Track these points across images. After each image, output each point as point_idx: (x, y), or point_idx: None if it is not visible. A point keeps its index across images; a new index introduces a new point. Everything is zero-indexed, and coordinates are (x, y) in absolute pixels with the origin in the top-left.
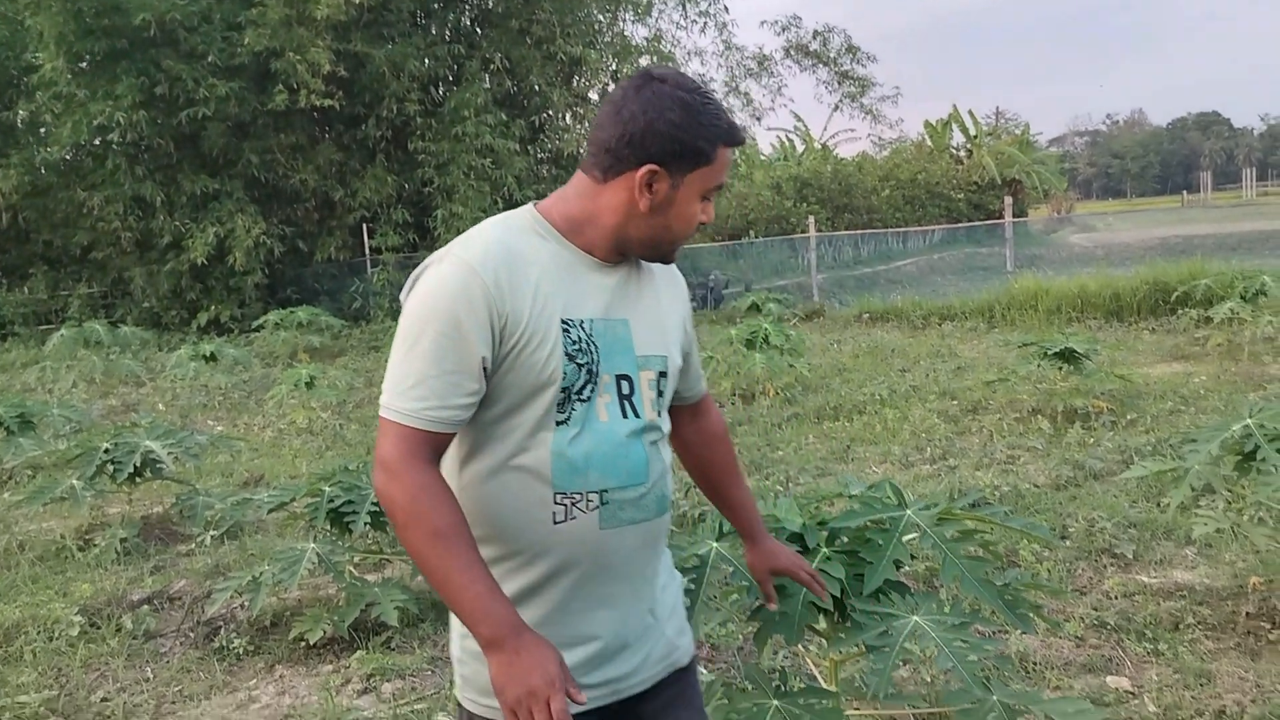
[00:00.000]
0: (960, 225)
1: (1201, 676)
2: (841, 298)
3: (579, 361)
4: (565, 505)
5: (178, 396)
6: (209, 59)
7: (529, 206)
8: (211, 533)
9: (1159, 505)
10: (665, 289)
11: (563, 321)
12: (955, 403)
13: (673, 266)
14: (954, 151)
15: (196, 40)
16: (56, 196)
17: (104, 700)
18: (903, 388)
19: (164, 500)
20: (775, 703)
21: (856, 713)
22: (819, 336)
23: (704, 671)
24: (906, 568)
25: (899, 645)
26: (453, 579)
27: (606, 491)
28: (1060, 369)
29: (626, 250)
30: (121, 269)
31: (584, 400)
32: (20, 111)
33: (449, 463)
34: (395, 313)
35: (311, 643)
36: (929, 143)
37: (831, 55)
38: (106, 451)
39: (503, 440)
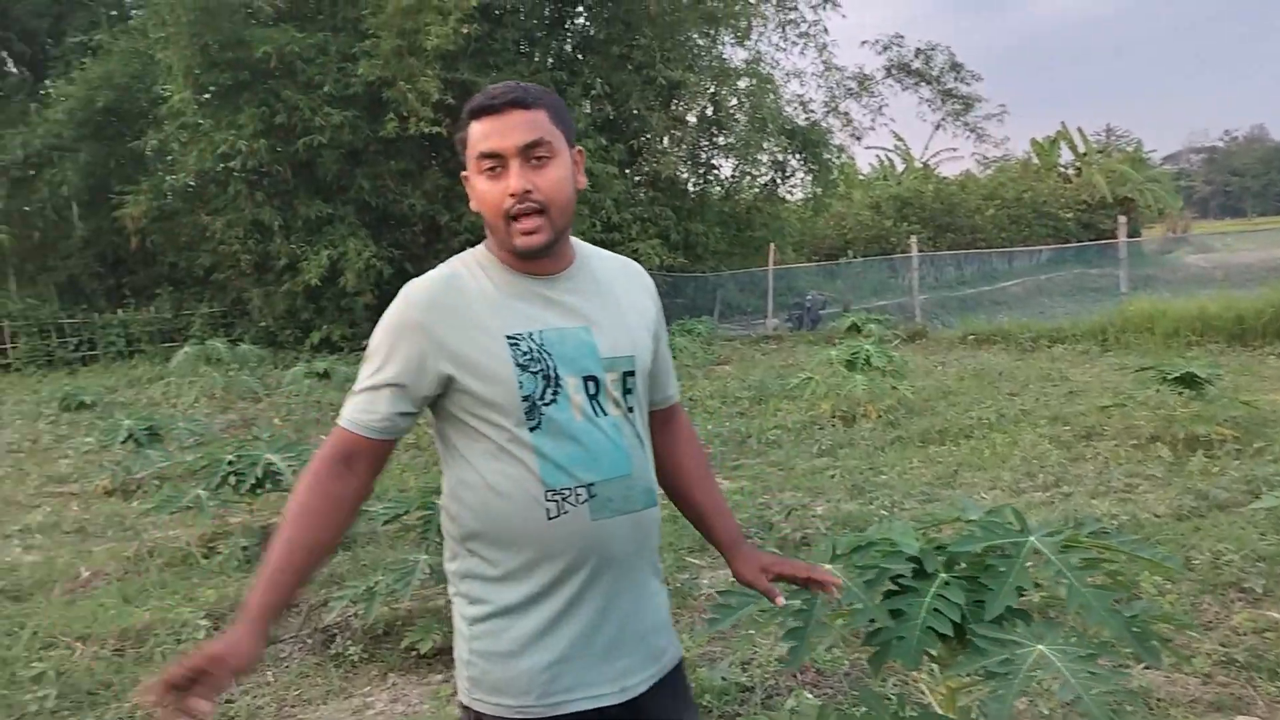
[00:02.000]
0: (1069, 245)
1: None
2: (944, 319)
3: (532, 370)
4: (556, 501)
5: (292, 412)
6: (325, 89)
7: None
8: None
9: None
10: (628, 290)
11: (508, 337)
12: (1068, 428)
13: (633, 266)
14: (1062, 169)
15: (314, 71)
16: (181, 221)
17: (228, 701)
18: (1011, 412)
19: (281, 511)
20: None
21: None
22: (922, 358)
23: (809, 697)
24: (1030, 598)
25: (1023, 673)
26: (269, 558)
27: (593, 485)
28: (1180, 394)
29: (532, 255)
30: (240, 290)
31: (549, 403)
32: (150, 141)
33: (447, 480)
34: None
35: (422, 652)
36: (1036, 161)
37: (934, 73)
38: (230, 463)
39: (486, 450)
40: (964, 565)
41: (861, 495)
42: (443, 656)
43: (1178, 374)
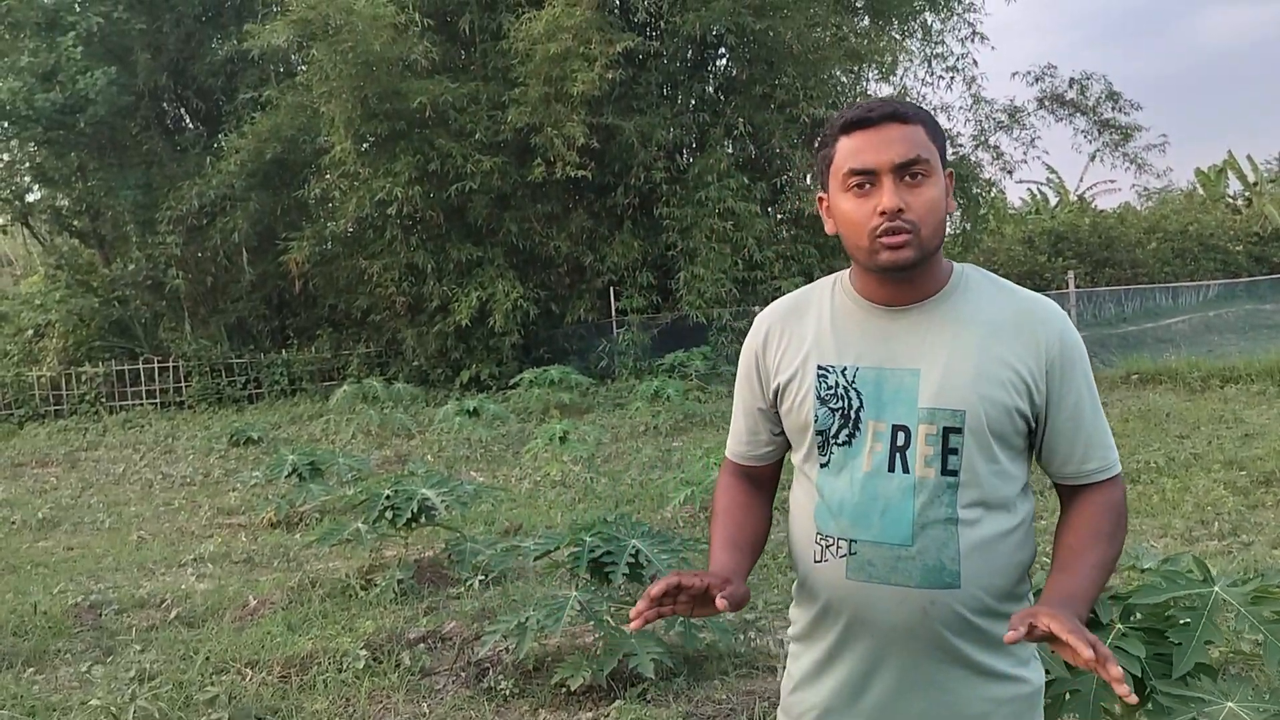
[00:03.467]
0: (1240, 279)
1: None
2: (1105, 357)
3: (831, 406)
4: (821, 546)
5: (444, 448)
6: (476, 136)
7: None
8: (479, 578)
9: None
10: (1003, 335)
11: (819, 368)
12: (1244, 473)
13: (1045, 313)
14: (1230, 200)
15: (465, 120)
16: (340, 265)
17: None
18: (1181, 455)
19: (434, 545)
20: None
21: None
22: None
23: None
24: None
25: None
26: (711, 542)
27: (855, 541)
28: None
29: (906, 285)
30: (395, 330)
31: (841, 445)
32: (314, 190)
33: None
34: (638, 371)
35: (572, 689)
36: (1201, 192)
37: (1090, 103)
38: (388, 498)
39: (795, 476)
40: (1140, 616)
41: None
42: (592, 694)
43: None
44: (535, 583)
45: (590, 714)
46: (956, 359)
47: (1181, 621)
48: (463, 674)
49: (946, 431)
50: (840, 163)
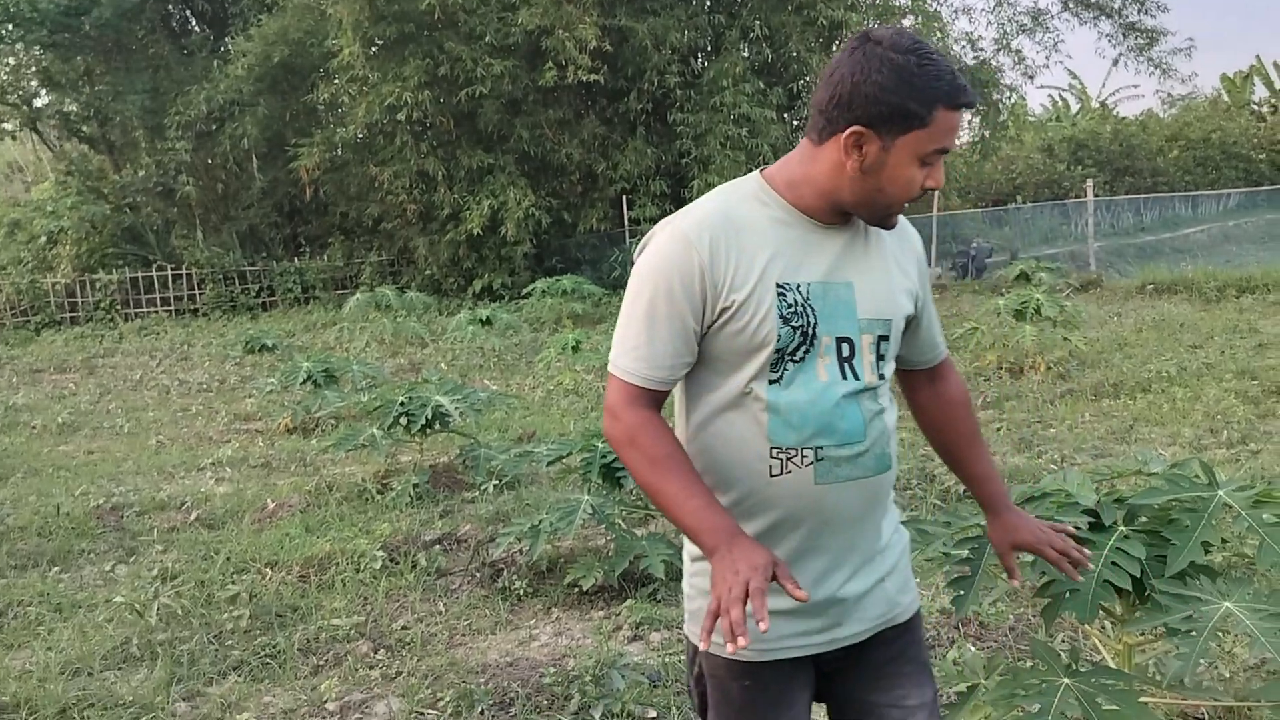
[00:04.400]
0: (1262, 189)
1: None
2: (1121, 267)
3: (793, 324)
4: (780, 460)
5: (457, 357)
6: (486, 39)
7: (755, 173)
8: (493, 482)
9: None
10: (896, 249)
11: (778, 285)
12: (1255, 383)
13: (905, 225)
14: (1256, 107)
15: (475, 22)
16: (351, 172)
17: (404, 628)
18: (1194, 365)
19: (449, 451)
20: (1066, 680)
21: (1151, 700)
22: (1096, 308)
23: (972, 649)
24: (1219, 558)
25: (1208, 630)
26: (673, 498)
27: (821, 449)
28: None
29: (845, 211)
30: (407, 239)
31: (797, 361)
32: (322, 94)
33: (676, 415)
34: None
35: (584, 589)
36: (1226, 98)
37: (1116, 6)
38: (402, 404)
39: (722, 396)
40: (1144, 520)
41: (1029, 449)
42: (604, 594)
43: None
44: (548, 488)
45: (602, 613)
46: (877, 272)
47: (1182, 523)
48: (477, 574)
49: (879, 339)
50: (934, 136)
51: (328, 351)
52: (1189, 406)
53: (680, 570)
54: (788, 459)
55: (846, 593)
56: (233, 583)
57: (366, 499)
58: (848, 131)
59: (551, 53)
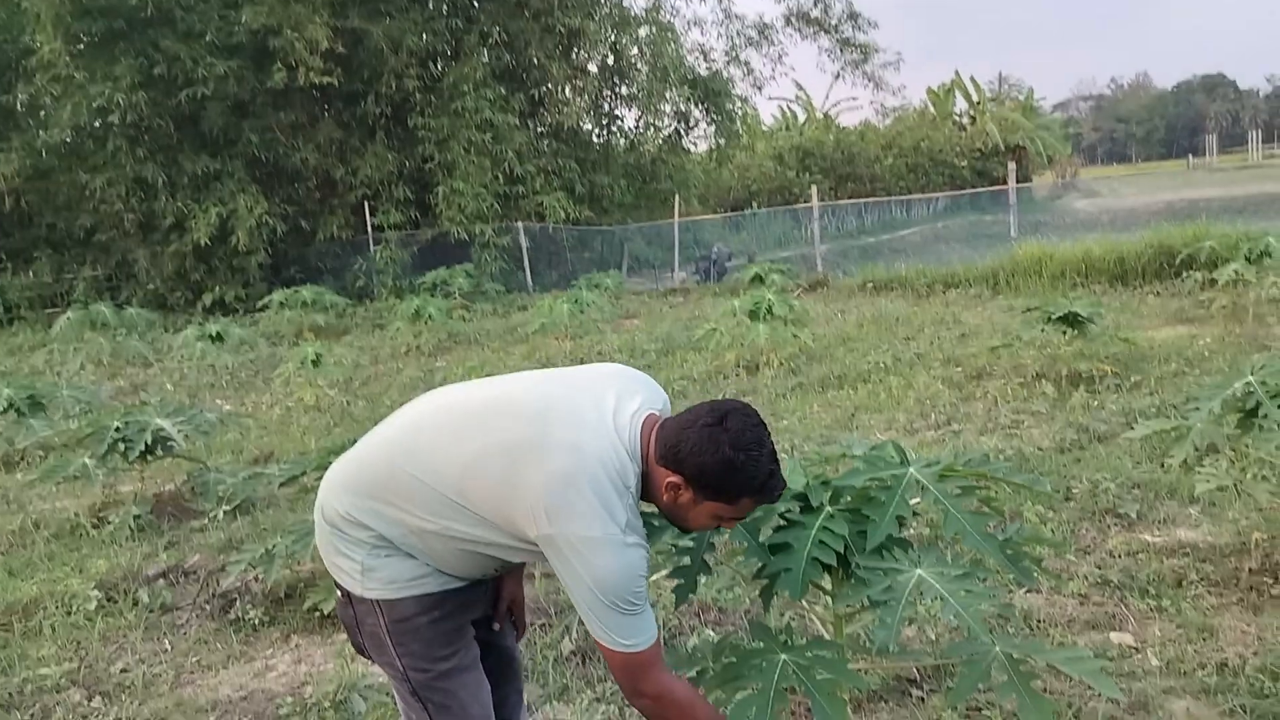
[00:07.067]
0: (964, 192)
1: (1204, 631)
2: (845, 268)
3: None
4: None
5: (185, 376)
6: (207, 38)
7: (636, 447)
8: (224, 508)
9: (1163, 466)
10: None
11: None
12: (960, 369)
13: None
14: (957, 118)
15: (194, 19)
16: (58, 179)
17: (123, 671)
18: (907, 356)
19: (175, 478)
20: (783, 656)
21: (863, 666)
22: (823, 306)
23: (710, 633)
24: (912, 530)
25: (904, 598)
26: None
27: None
28: (1064, 333)
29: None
30: (125, 251)
31: None
32: (20, 95)
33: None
34: (398, 290)
35: (326, 613)
36: (932, 110)
37: (833, 22)
38: (118, 430)
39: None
40: (848, 500)
41: None
42: None
43: (1061, 314)
44: (286, 510)
45: (344, 636)
46: None
47: (879, 500)
48: (207, 607)
49: None
50: (736, 511)
51: (35, 376)
52: (903, 394)
53: None
54: None
55: None
56: None
57: (80, 535)
58: (669, 480)
59: (280, 53)
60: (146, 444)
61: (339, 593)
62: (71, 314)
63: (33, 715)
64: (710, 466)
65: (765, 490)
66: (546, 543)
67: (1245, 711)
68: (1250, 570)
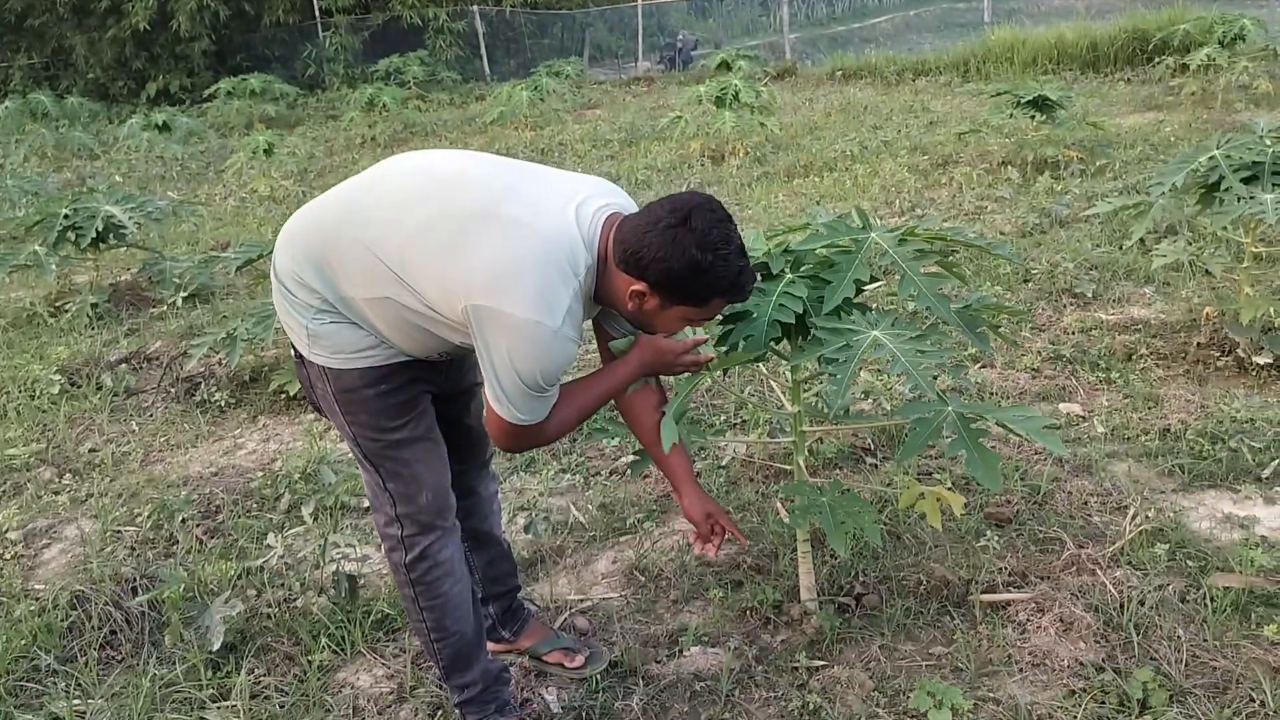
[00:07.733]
0: None
1: (1149, 400)
2: (815, 57)
3: None
4: None
5: (134, 168)
6: None
7: (595, 239)
8: (182, 295)
9: (1121, 247)
10: None
11: None
12: (926, 157)
13: None
14: None
15: None
16: None
17: (92, 450)
18: (874, 144)
19: (131, 267)
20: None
21: (819, 430)
22: (790, 95)
23: None
24: (878, 302)
25: (857, 356)
26: (598, 394)
27: None
28: (1032, 119)
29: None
30: (60, 37)
31: None
32: None
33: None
34: (350, 79)
35: (292, 394)
36: None
37: None
38: (67, 217)
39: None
40: (809, 266)
41: None
42: None
43: (1030, 98)
44: (245, 296)
45: (312, 416)
46: None
47: (839, 266)
48: (172, 390)
49: None
50: (705, 313)
51: None
52: (868, 181)
53: None
54: None
55: None
56: None
57: (38, 324)
58: (633, 288)
59: None
60: (98, 231)
61: (293, 350)
62: (9, 104)
63: (4, 493)
64: (676, 271)
65: (736, 288)
66: (476, 313)
67: (1184, 471)
68: (1198, 344)
